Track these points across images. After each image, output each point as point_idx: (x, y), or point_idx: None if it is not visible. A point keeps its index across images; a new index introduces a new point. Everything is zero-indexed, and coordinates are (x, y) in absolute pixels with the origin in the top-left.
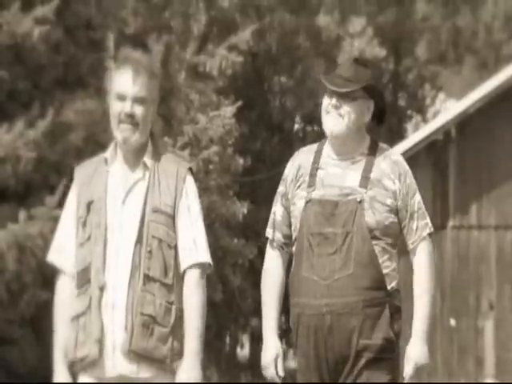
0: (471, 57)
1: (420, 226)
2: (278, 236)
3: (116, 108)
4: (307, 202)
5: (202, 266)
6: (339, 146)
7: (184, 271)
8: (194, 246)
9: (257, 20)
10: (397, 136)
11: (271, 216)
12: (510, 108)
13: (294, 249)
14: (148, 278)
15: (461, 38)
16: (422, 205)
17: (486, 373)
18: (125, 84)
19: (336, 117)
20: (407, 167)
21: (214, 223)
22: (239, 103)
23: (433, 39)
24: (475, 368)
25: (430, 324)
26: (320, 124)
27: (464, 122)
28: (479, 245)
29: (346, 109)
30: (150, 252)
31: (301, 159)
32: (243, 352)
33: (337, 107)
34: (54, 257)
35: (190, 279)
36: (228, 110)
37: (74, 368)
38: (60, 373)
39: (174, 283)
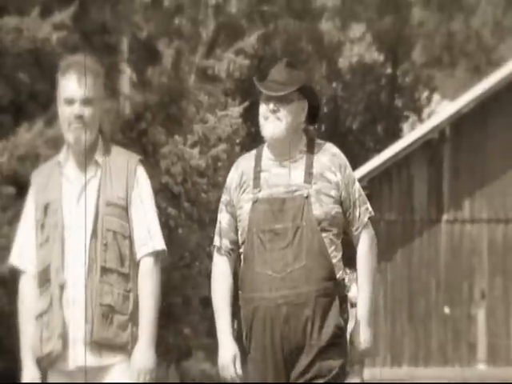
0: (464, 60)
1: (361, 212)
2: (225, 243)
3: (65, 113)
4: (254, 202)
5: (156, 253)
6: (278, 148)
7: (139, 260)
8: (148, 235)
9: (262, 25)
10: (393, 135)
11: (217, 224)
12: (501, 108)
13: (242, 249)
14: (105, 270)
15: (454, 43)
16: (362, 191)
17: (479, 358)
18: (71, 88)
19: (274, 120)
20: (345, 158)
21: None
22: (246, 104)
23: (428, 44)
24: (468, 353)
25: (371, 309)
26: (321, 122)
27: (458, 122)
28: (472, 238)
29: (283, 112)
30: (105, 245)
31: (243, 166)
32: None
33: (275, 111)
34: (15, 259)
35: (143, 268)
36: (235, 111)
37: (41, 364)
38: (29, 369)
39: (130, 272)
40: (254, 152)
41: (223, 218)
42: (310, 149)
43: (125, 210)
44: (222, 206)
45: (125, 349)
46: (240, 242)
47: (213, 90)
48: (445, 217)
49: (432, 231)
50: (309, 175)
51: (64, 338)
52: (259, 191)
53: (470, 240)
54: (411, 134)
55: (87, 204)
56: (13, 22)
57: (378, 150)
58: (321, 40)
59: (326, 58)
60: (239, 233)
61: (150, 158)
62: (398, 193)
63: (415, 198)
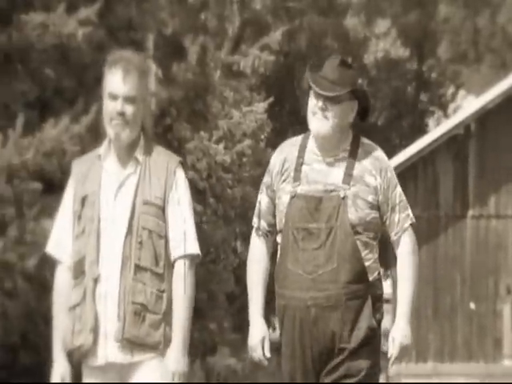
0: (490, 56)
1: (402, 218)
2: (263, 224)
3: (108, 107)
4: (292, 197)
5: (191, 257)
6: (323, 144)
7: (174, 261)
8: (183, 237)
9: (288, 21)
10: (419, 131)
11: (257, 205)
12: None
13: (279, 240)
14: (139, 268)
15: (480, 39)
16: (404, 197)
17: (504, 353)
18: (116, 84)
19: (322, 119)
20: (388, 162)
21: (248, 212)
22: (271, 99)
23: (454, 39)
24: (493, 349)
25: (411, 308)
26: None
27: (483, 117)
28: (497, 233)
29: (331, 111)
30: (140, 243)
31: (286, 152)
32: (275, 334)
33: (323, 109)
34: (52, 248)
35: (178, 270)
36: (260, 106)
37: (72, 356)
38: (59, 362)
39: (164, 272)
40: (299, 139)
41: (263, 200)
42: (354, 148)
43: (161, 209)
44: (263, 187)
45: (156, 348)
46: (278, 229)
47: (238, 85)
48: (470, 212)
49: (457, 227)
50: (348, 176)
51: (95, 332)
52: (298, 185)
53: (495, 235)
54: (436, 129)
55: (124, 200)
56: (39, 18)
57: (404, 146)
58: (346, 36)
59: (352, 53)
60: (277, 220)
61: (175, 154)
62: (424, 188)
63: (441, 193)
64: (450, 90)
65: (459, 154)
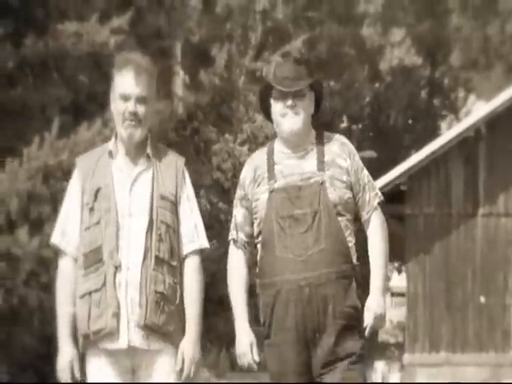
0: (500, 63)
1: (371, 197)
2: (241, 236)
3: (120, 107)
4: (271, 192)
5: (201, 251)
6: (294, 141)
7: (186, 255)
8: (195, 232)
9: (308, 30)
10: (432, 133)
11: (232, 219)
12: None
13: (260, 239)
14: (158, 260)
15: (490, 46)
16: (371, 178)
17: None
18: (128, 85)
19: (293, 116)
20: (353, 147)
21: None
22: None
23: (465, 47)
24: (503, 341)
25: (384, 281)
26: (363, 121)
27: (493, 121)
28: (506, 230)
29: (300, 107)
30: (159, 235)
31: (256, 161)
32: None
33: (293, 107)
34: (57, 239)
35: (191, 264)
36: None
37: (86, 340)
38: (67, 347)
39: (177, 265)
40: (265, 148)
41: (238, 213)
42: (320, 140)
43: (174, 205)
44: (236, 202)
45: (170, 337)
46: (256, 233)
47: None
48: (480, 211)
49: (468, 225)
50: (321, 163)
51: (118, 317)
52: (275, 182)
53: (504, 233)
54: (448, 132)
55: (140, 194)
56: (73, 27)
57: (417, 148)
58: (363, 44)
59: (368, 61)
60: (255, 224)
61: (202, 155)
62: (436, 188)
63: (452, 193)
64: (461, 95)
65: (470, 155)
